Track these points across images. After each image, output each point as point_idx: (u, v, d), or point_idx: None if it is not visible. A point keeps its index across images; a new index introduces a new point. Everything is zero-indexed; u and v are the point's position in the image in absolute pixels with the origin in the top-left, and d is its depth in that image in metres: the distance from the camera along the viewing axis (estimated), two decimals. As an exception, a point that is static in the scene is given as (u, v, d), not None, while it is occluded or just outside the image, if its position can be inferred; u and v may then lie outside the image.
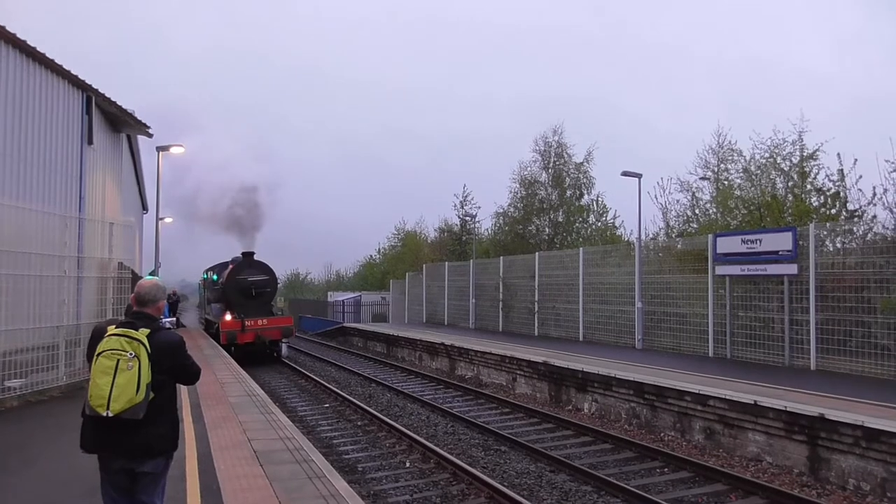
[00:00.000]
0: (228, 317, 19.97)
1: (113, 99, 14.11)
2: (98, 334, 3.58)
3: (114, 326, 3.53)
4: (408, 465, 8.98)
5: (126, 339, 3.42)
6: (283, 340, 20.99)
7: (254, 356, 19.91)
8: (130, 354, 3.37)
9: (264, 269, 21.68)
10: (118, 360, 3.35)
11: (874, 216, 13.59)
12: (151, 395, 3.44)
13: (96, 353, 3.43)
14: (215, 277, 24.68)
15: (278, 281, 23.48)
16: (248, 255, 21.69)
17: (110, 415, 3.31)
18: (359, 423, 11.68)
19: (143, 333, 3.47)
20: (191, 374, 3.82)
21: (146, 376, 3.39)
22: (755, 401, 8.79)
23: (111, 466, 3.57)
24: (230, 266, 22.46)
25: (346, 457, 9.32)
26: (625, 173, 18.36)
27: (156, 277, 4.01)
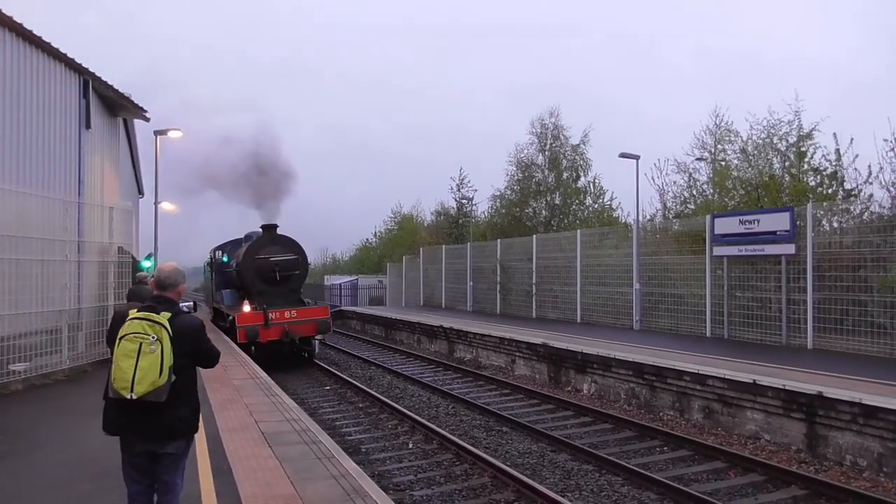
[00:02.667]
0: (247, 307, 15.68)
1: (110, 82, 14.04)
2: (120, 318, 3.64)
3: (136, 310, 3.58)
4: (411, 446, 9.09)
5: (148, 322, 3.47)
6: (318, 337, 16.64)
7: (279, 357, 15.88)
8: (153, 338, 3.42)
9: (291, 245, 17.10)
10: (141, 344, 3.40)
11: (871, 195, 13.66)
12: (173, 378, 3.50)
13: (119, 336, 3.47)
14: (226, 258, 20.03)
15: (309, 262, 18.41)
16: (269, 229, 17.05)
17: (134, 397, 3.36)
18: (360, 406, 11.78)
19: (164, 317, 3.53)
20: (211, 357, 3.90)
21: (168, 359, 3.45)
22: (754, 380, 8.90)
23: (134, 449, 3.63)
24: (246, 243, 18.12)
25: (350, 438, 9.42)
26: (623, 155, 18.42)
27: (174, 263, 4.04)
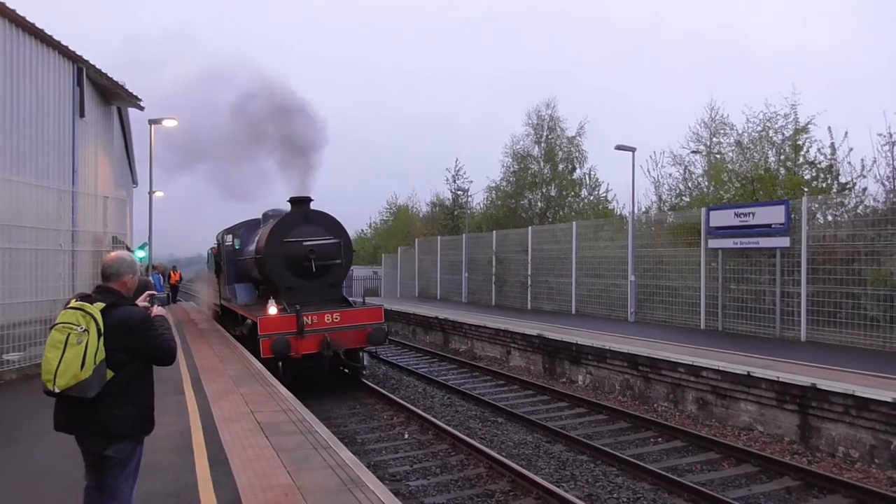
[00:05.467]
0: (273, 309, 11.66)
1: (104, 70, 13.94)
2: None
3: (73, 299, 3.42)
4: (406, 436, 9.12)
5: (81, 312, 3.29)
6: (369, 349, 12.72)
7: (316, 377, 12.33)
8: (81, 328, 3.24)
9: (330, 225, 12.95)
10: (69, 334, 3.23)
11: (865, 189, 13.74)
12: (110, 373, 3.32)
13: (51, 325, 3.34)
14: (238, 244, 16.02)
15: (353, 247, 14.22)
16: (300, 204, 12.87)
17: (57, 391, 3.22)
18: (355, 396, 11.79)
19: (96, 307, 3.33)
20: (161, 352, 3.55)
21: (94, 352, 3.23)
22: (748, 371, 8.96)
23: (80, 446, 3.53)
24: (268, 223, 13.91)
25: (344, 429, 9.44)
26: (619, 147, 18.35)
27: (123, 251, 3.90)
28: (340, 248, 12.82)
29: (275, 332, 11.11)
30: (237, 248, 15.98)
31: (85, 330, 3.23)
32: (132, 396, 3.45)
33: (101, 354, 3.26)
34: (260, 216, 15.69)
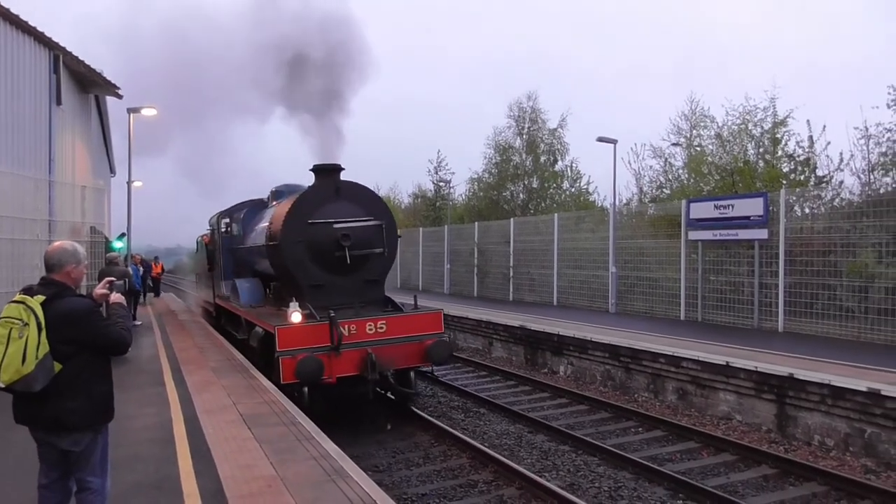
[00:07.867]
0: (297, 316, 8.80)
1: (81, 58, 13.69)
2: None
3: (19, 293, 3.38)
4: (389, 427, 9.13)
5: (23, 306, 3.26)
6: (426, 368, 9.54)
7: (350, 403, 9.62)
8: (22, 323, 3.21)
9: (368, 201, 9.97)
10: (10, 329, 3.20)
11: (841, 182, 13.94)
12: (58, 366, 3.29)
13: None
14: (238, 230, 13.32)
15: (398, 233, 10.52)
16: (327, 174, 9.77)
17: (2, 386, 3.21)
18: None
19: (36, 300, 3.29)
20: (110, 342, 3.52)
21: (35, 346, 3.20)
22: (727, 362, 9.08)
23: (36, 439, 3.52)
24: (281, 201, 10.99)
25: (326, 420, 9.40)
26: (600, 139, 18.45)
27: (65, 241, 3.81)
28: (382, 233, 9.74)
29: (301, 348, 8.30)
30: (237, 234, 13.31)
31: (25, 324, 3.20)
32: (83, 388, 3.41)
33: (45, 348, 3.23)
34: (266, 195, 12.86)
